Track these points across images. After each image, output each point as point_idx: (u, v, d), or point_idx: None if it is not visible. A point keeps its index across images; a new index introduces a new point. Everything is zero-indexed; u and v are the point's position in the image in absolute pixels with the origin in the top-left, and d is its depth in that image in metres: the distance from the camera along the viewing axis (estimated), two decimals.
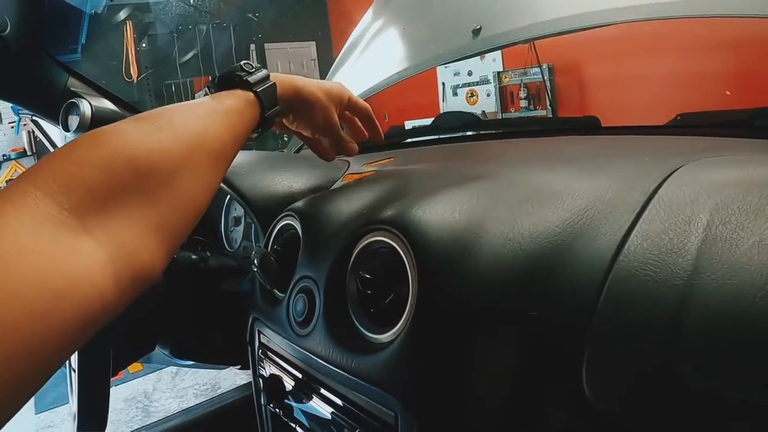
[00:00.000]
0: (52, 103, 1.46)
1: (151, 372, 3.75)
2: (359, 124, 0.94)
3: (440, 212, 0.63)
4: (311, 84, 0.84)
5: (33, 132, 6.96)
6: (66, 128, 1.47)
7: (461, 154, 1.15)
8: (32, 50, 1.37)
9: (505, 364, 0.54)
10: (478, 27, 1.32)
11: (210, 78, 0.76)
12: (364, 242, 0.67)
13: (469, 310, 0.55)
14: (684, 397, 0.42)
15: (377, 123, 0.95)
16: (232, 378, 3.57)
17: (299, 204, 0.82)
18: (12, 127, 6.96)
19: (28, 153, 7.13)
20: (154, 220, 0.51)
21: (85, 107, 1.43)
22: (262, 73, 0.75)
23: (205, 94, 0.73)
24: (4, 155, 6.98)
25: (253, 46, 7.65)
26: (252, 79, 0.72)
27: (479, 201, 0.64)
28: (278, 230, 0.84)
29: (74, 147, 0.50)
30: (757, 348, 0.39)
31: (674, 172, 0.59)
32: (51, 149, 2.72)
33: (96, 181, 0.48)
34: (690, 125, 1.03)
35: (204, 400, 3.29)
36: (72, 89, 1.47)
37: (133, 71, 6.27)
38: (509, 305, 0.54)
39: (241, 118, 0.68)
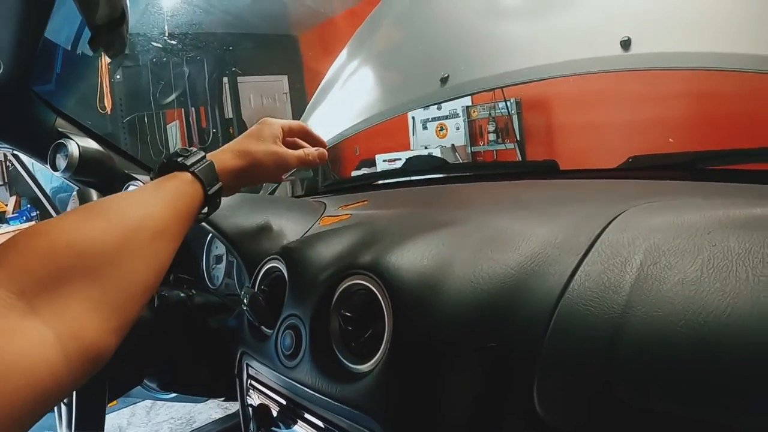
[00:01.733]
0: (40, 143, 1.49)
1: (126, 406, 3.70)
2: (302, 143, 0.96)
3: (411, 257, 0.71)
4: (247, 145, 0.86)
5: (5, 162, 6.87)
6: (54, 168, 1.50)
7: (429, 198, 1.22)
8: (22, 91, 1.40)
9: (469, 388, 0.61)
10: (446, 75, 1.39)
11: (153, 170, 0.79)
12: (344, 285, 0.75)
13: (438, 342, 0.63)
14: (622, 413, 0.49)
15: (315, 134, 0.98)
16: (207, 412, 3.55)
17: (284, 248, 0.89)
18: None
19: (0, 183, 7.03)
20: (98, 299, 0.54)
21: (73, 148, 1.46)
22: (198, 155, 0.77)
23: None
24: None
25: (225, 80, 7.67)
26: (188, 161, 0.75)
27: (445, 246, 0.72)
28: (264, 272, 0.91)
29: (20, 238, 0.53)
30: (680, 368, 0.46)
31: (617, 217, 0.67)
32: (28, 181, 2.73)
33: (39, 266, 0.51)
34: (639, 167, 1.11)
35: None
36: (59, 129, 1.50)
37: (107, 102, 6.23)
38: (472, 338, 0.62)
39: (180, 196, 0.71)
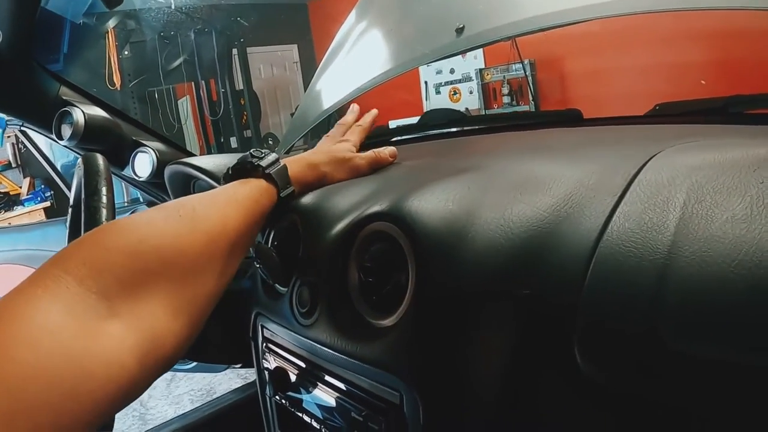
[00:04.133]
0: (44, 113, 1.48)
1: None
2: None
3: (435, 202, 0.66)
4: (319, 159, 0.88)
5: (17, 144, 6.91)
6: (59, 137, 1.48)
7: (451, 148, 1.17)
8: (24, 60, 1.39)
9: (502, 341, 0.57)
10: (461, 26, 1.35)
11: (227, 171, 0.81)
12: (363, 233, 0.71)
13: (467, 292, 0.59)
14: (668, 360, 0.45)
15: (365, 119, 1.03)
16: (227, 382, 3.58)
17: (296, 201, 0.85)
18: None
19: (13, 165, 7.08)
20: (177, 304, 0.54)
21: (78, 115, 1.44)
22: (272, 156, 0.79)
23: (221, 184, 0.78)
24: None
25: (235, 51, 7.65)
26: (263, 163, 0.77)
27: (471, 190, 0.67)
28: (278, 226, 0.87)
29: (102, 234, 0.53)
30: (735, 311, 0.42)
31: (653, 157, 0.62)
32: (40, 160, 2.74)
33: (123, 266, 0.50)
34: (668, 114, 1.07)
35: (200, 404, 3.31)
36: (64, 98, 1.48)
37: (116, 79, 6.23)
38: (503, 286, 0.57)
39: (255, 204, 0.72)
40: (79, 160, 0.99)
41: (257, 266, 0.81)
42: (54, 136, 1.49)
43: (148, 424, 3.24)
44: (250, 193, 0.73)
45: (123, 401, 0.47)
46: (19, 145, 6.93)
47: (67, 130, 1.46)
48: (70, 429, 0.40)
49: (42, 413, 0.39)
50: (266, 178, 0.77)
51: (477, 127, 1.42)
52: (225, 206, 0.67)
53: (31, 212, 6.70)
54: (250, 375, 3.30)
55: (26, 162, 7.05)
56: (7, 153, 7.04)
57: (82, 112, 1.45)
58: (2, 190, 6.88)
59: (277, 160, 0.79)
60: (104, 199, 0.88)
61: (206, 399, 3.44)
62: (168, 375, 3.76)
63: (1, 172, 7.00)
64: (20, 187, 7.01)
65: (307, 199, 0.85)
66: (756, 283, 0.42)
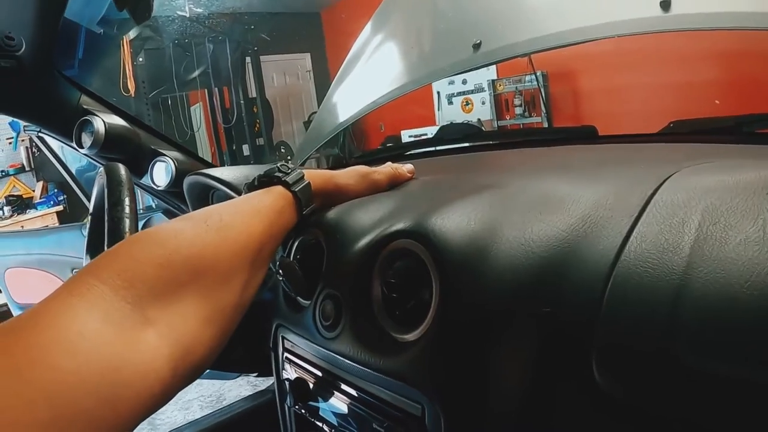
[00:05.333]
0: (65, 121, 1.49)
1: None
2: None
3: (457, 220, 0.68)
4: (340, 174, 0.89)
5: (31, 148, 6.96)
6: (80, 146, 1.50)
7: (469, 164, 1.19)
8: (46, 69, 1.40)
9: (522, 356, 0.58)
10: (479, 41, 1.37)
11: (248, 182, 0.82)
12: (387, 250, 0.72)
13: (489, 309, 0.61)
14: (683, 376, 0.47)
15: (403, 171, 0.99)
16: (237, 389, 3.59)
17: (319, 217, 0.87)
18: (10, 143, 6.96)
19: (27, 168, 7.13)
20: (207, 313, 0.55)
21: (99, 125, 1.46)
22: (297, 173, 0.79)
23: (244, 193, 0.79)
24: (2, 171, 6.98)
25: (248, 59, 7.68)
26: (290, 179, 0.77)
27: (492, 209, 0.69)
28: (300, 240, 0.89)
29: (133, 245, 0.54)
30: (744, 331, 0.44)
31: (668, 178, 0.64)
32: (57, 165, 2.76)
33: (156, 277, 0.52)
34: (682, 132, 1.08)
35: (209, 410, 3.31)
36: (84, 107, 1.50)
37: (131, 85, 6.27)
38: (525, 304, 0.59)
39: (279, 216, 0.73)
40: (101, 169, 1.01)
41: (280, 279, 0.83)
42: (74, 145, 1.51)
43: (158, 430, 3.25)
44: (274, 203, 0.73)
45: (154, 408, 0.47)
46: (33, 149, 6.99)
47: (87, 139, 1.48)
48: None
49: (80, 421, 0.39)
50: (293, 194, 0.77)
51: (493, 142, 1.43)
52: (251, 216, 0.68)
53: (44, 216, 6.74)
54: (260, 383, 3.31)
55: (40, 166, 7.11)
56: (21, 156, 7.10)
57: (103, 121, 1.47)
58: (15, 193, 6.94)
59: (302, 177, 0.79)
60: (127, 209, 0.90)
61: (216, 405, 3.45)
62: None
63: (14, 175, 7.04)
64: (33, 191, 7.06)
65: (331, 214, 0.86)
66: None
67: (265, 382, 2.90)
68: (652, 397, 0.50)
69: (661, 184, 0.62)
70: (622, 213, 0.60)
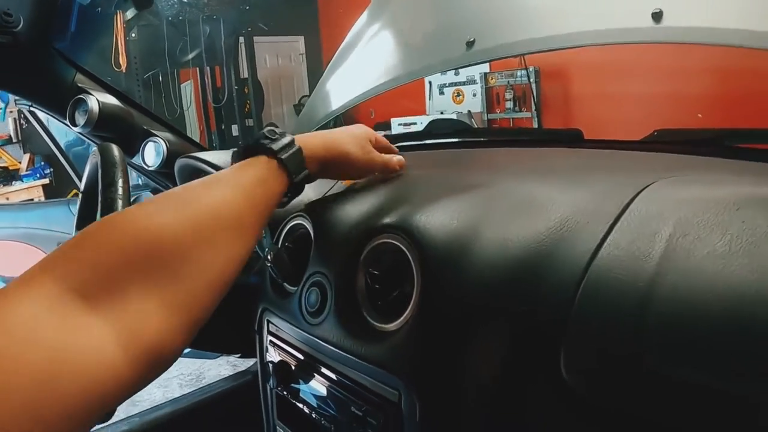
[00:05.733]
0: (59, 99, 1.49)
1: None
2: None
3: (441, 217, 0.71)
4: (341, 137, 0.85)
5: (19, 119, 6.90)
6: (73, 124, 1.50)
7: (456, 161, 1.22)
8: (42, 47, 1.40)
9: (496, 351, 0.62)
10: (472, 39, 1.38)
11: (236, 149, 0.77)
12: (373, 243, 0.75)
13: (467, 304, 0.64)
14: (645, 378, 0.50)
15: (395, 150, 0.99)
16: (217, 368, 3.61)
17: (309, 206, 0.90)
18: None
19: (14, 140, 7.06)
20: (163, 295, 0.52)
21: (93, 103, 1.46)
22: (287, 138, 0.74)
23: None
24: None
25: (242, 39, 7.64)
26: (276, 146, 0.72)
27: (475, 209, 0.72)
28: (288, 229, 0.91)
29: (85, 232, 0.53)
30: (709, 338, 0.47)
31: (645, 188, 0.67)
32: (47, 140, 2.76)
33: (104, 263, 0.50)
34: (665, 141, 1.11)
35: (189, 389, 3.33)
36: (79, 85, 1.50)
37: (122, 61, 6.21)
38: (501, 300, 0.62)
39: (261, 186, 0.68)
40: (95, 149, 1.03)
41: (268, 265, 0.85)
42: (68, 122, 1.52)
43: (137, 407, 3.26)
44: (257, 174, 0.69)
45: (108, 402, 0.46)
46: (21, 121, 6.92)
47: (81, 118, 1.49)
48: (47, 420, 0.41)
49: (16, 401, 0.39)
50: (278, 161, 0.72)
51: (481, 139, 1.46)
52: (222, 190, 0.64)
53: (30, 188, 6.68)
54: (240, 363, 3.34)
55: (27, 138, 7.03)
56: (8, 128, 7.02)
57: (97, 100, 1.47)
58: (1, 165, 6.87)
59: (292, 142, 0.74)
60: (120, 190, 0.92)
61: (195, 383, 3.47)
62: None
63: (1, 146, 6.97)
64: (20, 163, 7.01)
65: (320, 204, 0.89)
66: (728, 315, 0.46)
67: (245, 363, 2.92)
68: (615, 396, 0.53)
69: (638, 194, 0.65)
70: (599, 219, 0.63)
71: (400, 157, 0.97)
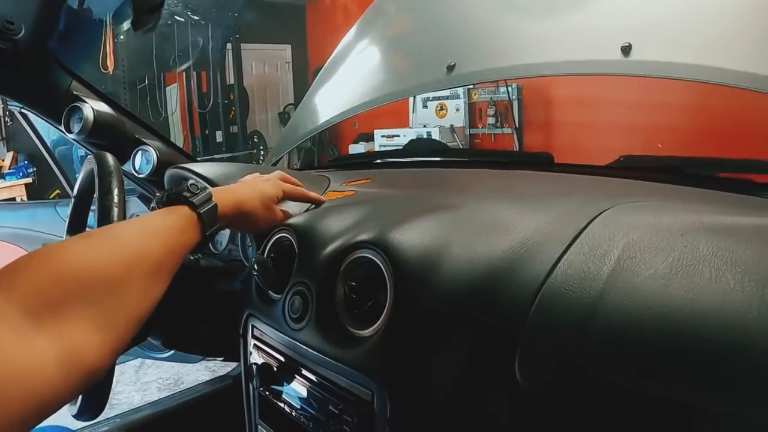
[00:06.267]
0: (55, 106, 1.53)
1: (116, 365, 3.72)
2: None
3: (414, 236, 0.78)
4: (251, 198, 0.93)
5: (3, 117, 6.83)
6: (68, 130, 1.54)
7: (430, 181, 1.29)
8: (41, 54, 1.44)
9: (459, 354, 0.69)
10: (453, 63, 1.45)
11: (158, 195, 0.84)
12: (351, 257, 0.82)
13: (434, 313, 0.71)
14: (587, 382, 0.57)
15: (310, 195, 1.07)
16: (195, 374, 3.60)
17: (293, 221, 0.97)
18: None
19: None
20: (98, 323, 0.58)
21: (88, 111, 1.50)
22: (206, 193, 0.83)
23: (153, 209, 0.82)
24: None
25: (229, 46, 7.65)
26: (197, 200, 0.80)
27: (445, 228, 0.80)
28: (274, 241, 0.98)
29: (33, 258, 0.58)
30: (643, 349, 0.54)
31: (602, 213, 0.74)
32: (37, 142, 2.78)
33: (48, 289, 0.56)
34: (629, 167, 1.18)
35: (167, 393, 3.34)
36: (74, 93, 1.54)
37: (110, 63, 6.18)
38: (464, 311, 0.70)
39: (181, 234, 0.76)
40: (90, 157, 1.07)
41: (254, 274, 0.91)
42: (62, 128, 1.56)
43: (114, 410, 3.26)
44: (177, 222, 0.77)
45: (45, 410, 0.51)
46: (6, 118, 6.85)
47: (76, 125, 1.52)
48: None
49: None
50: (198, 215, 0.80)
51: (457, 159, 1.52)
52: (149, 234, 0.71)
53: (12, 187, 6.59)
54: (218, 368, 3.36)
55: (11, 136, 6.95)
56: None
57: (92, 108, 1.51)
58: None
59: (209, 199, 0.83)
60: (116, 198, 0.96)
61: (174, 387, 3.46)
62: (137, 362, 3.75)
63: None
64: (3, 161, 6.93)
65: (303, 219, 0.96)
66: (662, 327, 0.53)
67: (224, 369, 2.95)
68: (564, 398, 0.61)
69: (595, 218, 0.73)
70: (556, 241, 0.70)
71: (317, 197, 1.07)
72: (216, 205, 0.83)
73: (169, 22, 6.81)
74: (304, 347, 0.84)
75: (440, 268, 0.73)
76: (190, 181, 0.84)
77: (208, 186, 0.85)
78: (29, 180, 6.73)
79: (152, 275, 0.68)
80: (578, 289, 0.61)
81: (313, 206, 1.08)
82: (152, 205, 0.84)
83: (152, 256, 0.69)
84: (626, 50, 1.16)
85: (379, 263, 0.78)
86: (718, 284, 0.54)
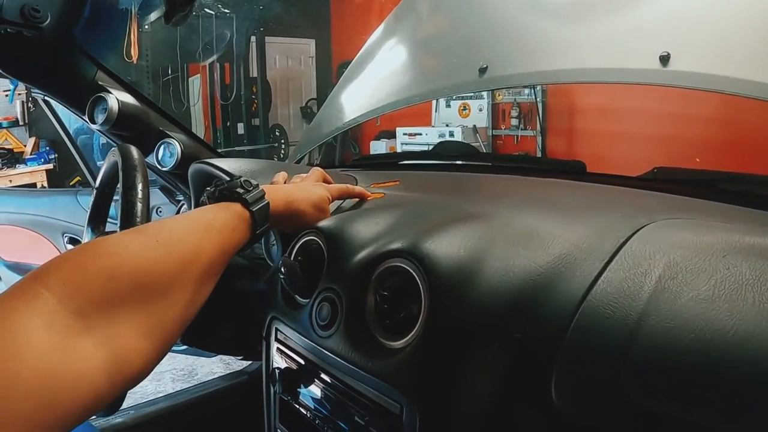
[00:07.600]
0: (80, 95, 1.52)
1: None
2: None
3: (448, 246, 0.76)
4: (300, 198, 0.92)
5: (27, 102, 6.89)
6: (93, 121, 1.54)
7: (461, 186, 1.27)
8: (67, 44, 1.44)
9: (493, 371, 0.67)
10: (485, 66, 1.43)
11: (210, 189, 0.82)
12: (384, 266, 0.80)
13: (469, 327, 0.69)
14: (626, 406, 0.55)
15: (356, 191, 1.07)
16: (209, 365, 3.62)
17: (322, 223, 0.94)
18: (6, 95, 6.85)
19: (20, 123, 7.03)
20: (148, 326, 0.57)
21: (113, 102, 1.49)
22: (259, 191, 0.81)
23: (204, 203, 0.80)
24: None
25: (253, 39, 7.67)
26: (250, 197, 0.78)
27: (480, 239, 0.77)
28: (302, 244, 0.96)
29: (82, 254, 0.56)
30: (685, 375, 0.52)
31: (641, 229, 0.72)
32: (59, 130, 2.78)
33: (99, 288, 0.53)
34: (663, 179, 1.16)
35: (181, 384, 3.34)
36: (99, 83, 1.53)
37: (134, 52, 6.21)
38: (500, 327, 0.68)
39: (233, 233, 0.74)
40: (114, 149, 1.06)
41: (281, 277, 0.89)
42: (86, 118, 1.55)
43: (128, 398, 3.27)
44: (230, 221, 0.74)
45: (89, 413, 0.50)
46: (29, 104, 6.91)
47: (100, 116, 1.52)
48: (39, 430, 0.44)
49: (18, 421, 0.42)
50: (250, 213, 0.78)
51: (486, 164, 1.50)
52: (203, 233, 0.69)
53: (33, 172, 6.66)
54: (233, 361, 3.36)
55: (34, 121, 7.00)
56: (16, 110, 7.00)
57: (117, 99, 1.51)
58: (6, 146, 6.85)
59: (262, 197, 0.81)
60: (140, 194, 0.96)
61: (188, 378, 3.48)
62: None
63: (7, 128, 6.95)
64: (25, 146, 6.99)
65: (332, 222, 0.94)
66: (706, 353, 0.52)
67: (239, 363, 2.95)
68: (599, 421, 0.59)
69: (633, 234, 0.71)
70: (595, 257, 0.68)
71: (362, 190, 1.06)
72: (268, 203, 0.82)
73: (195, 13, 6.83)
74: (331, 355, 0.82)
75: (476, 280, 0.71)
76: (242, 178, 0.82)
77: (258, 183, 0.83)
78: (50, 166, 6.79)
79: (204, 277, 0.66)
80: (619, 309, 0.59)
81: (347, 205, 1.06)
82: (202, 199, 0.82)
83: (206, 256, 0.67)
84: (665, 60, 1.14)
85: (414, 273, 0.76)
86: (761, 310, 0.53)
